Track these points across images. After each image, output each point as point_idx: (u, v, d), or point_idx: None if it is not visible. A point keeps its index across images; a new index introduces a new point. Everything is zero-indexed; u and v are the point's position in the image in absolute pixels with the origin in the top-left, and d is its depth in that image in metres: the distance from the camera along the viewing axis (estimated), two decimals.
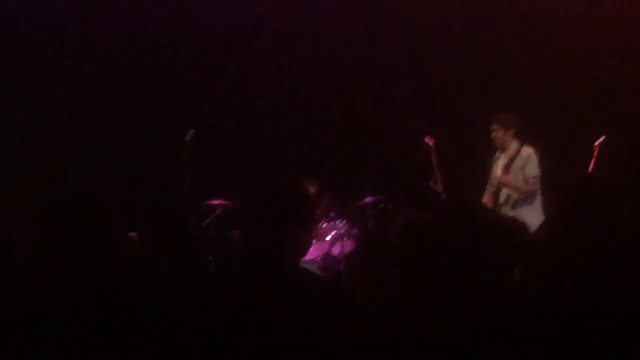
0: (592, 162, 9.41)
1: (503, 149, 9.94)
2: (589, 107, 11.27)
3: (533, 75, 11.75)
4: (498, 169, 9.98)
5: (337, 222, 11.39)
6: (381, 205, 11.26)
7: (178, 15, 12.44)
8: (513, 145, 9.87)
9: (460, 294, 3.66)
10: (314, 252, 10.86)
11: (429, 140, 10.37)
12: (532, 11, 11.79)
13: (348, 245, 11.20)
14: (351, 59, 12.52)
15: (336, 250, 11.26)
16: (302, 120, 12.55)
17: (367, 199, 11.25)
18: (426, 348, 3.56)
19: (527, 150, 9.75)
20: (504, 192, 9.84)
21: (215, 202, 10.72)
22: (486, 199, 10.00)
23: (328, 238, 11.30)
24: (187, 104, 12.14)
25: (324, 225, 11.30)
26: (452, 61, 12.14)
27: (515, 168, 9.75)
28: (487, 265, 3.74)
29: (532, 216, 9.28)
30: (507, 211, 9.62)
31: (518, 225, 4.82)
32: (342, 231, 11.28)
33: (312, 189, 11.23)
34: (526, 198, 9.72)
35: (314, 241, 10.89)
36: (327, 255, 11.27)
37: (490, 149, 10.16)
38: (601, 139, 9.54)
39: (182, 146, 10.19)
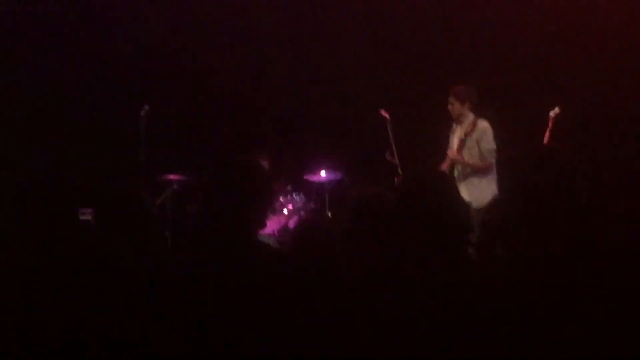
0: (547, 133, 9.48)
1: (459, 122, 9.95)
2: (543, 79, 11.34)
3: (488, 46, 11.79)
4: (454, 141, 9.99)
5: (295, 195, 11.41)
6: (338, 178, 11.29)
7: None
8: (469, 118, 9.87)
9: (412, 267, 3.68)
10: (271, 226, 10.86)
11: (384, 113, 10.37)
12: None
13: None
14: (304, 31, 12.49)
15: (293, 223, 11.28)
16: (258, 93, 12.51)
17: (324, 172, 11.27)
18: (379, 319, 3.58)
19: (483, 124, 9.75)
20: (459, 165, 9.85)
21: (172, 176, 10.68)
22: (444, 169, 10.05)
23: (285, 211, 11.31)
24: (141, 80, 12.04)
25: (281, 199, 11.30)
26: (406, 33, 12.15)
27: (471, 141, 9.74)
28: (439, 238, 3.75)
29: (486, 189, 9.35)
30: (461, 182, 9.65)
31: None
32: (299, 205, 11.30)
33: (265, 163, 11.23)
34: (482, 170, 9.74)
35: (271, 215, 10.90)
36: (285, 229, 11.28)
37: (447, 121, 10.18)
38: (555, 110, 9.61)
39: (137, 122, 10.14)
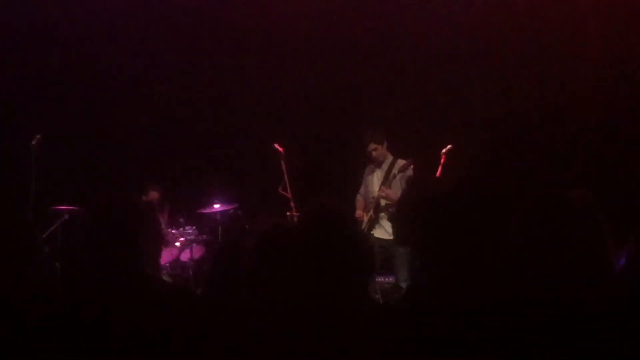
0: (439, 170, 9.62)
1: (379, 163, 10.03)
2: (436, 116, 11.56)
3: (379, 83, 11.96)
4: (374, 182, 10.05)
5: (187, 228, 11.36)
6: (231, 211, 11.26)
7: (24, 17, 12.18)
8: (389, 158, 9.97)
9: (315, 298, 3.68)
10: (162, 258, 10.78)
11: (278, 147, 10.40)
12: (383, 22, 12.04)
13: (197, 251, 11.20)
14: (201, 62, 12.49)
15: (185, 256, 11.24)
16: (150, 125, 12.44)
17: (217, 205, 11.23)
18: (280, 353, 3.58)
19: (402, 162, 9.85)
20: (383, 202, 9.89)
21: (62, 207, 10.53)
22: (360, 209, 10.10)
23: (177, 244, 11.25)
24: (32, 109, 11.89)
25: (173, 231, 11.24)
26: (300, 68, 12.24)
27: (395, 179, 9.81)
28: (342, 271, 3.75)
29: None
30: (385, 220, 9.77)
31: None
32: (191, 237, 11.26)
33: (154, 194, 11.15)
34: None
35: (163, 247, 10.82)
36: (176, 261, 11.23)
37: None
38: (447, 147, 9.75)
39: (28, 151, 9.99)
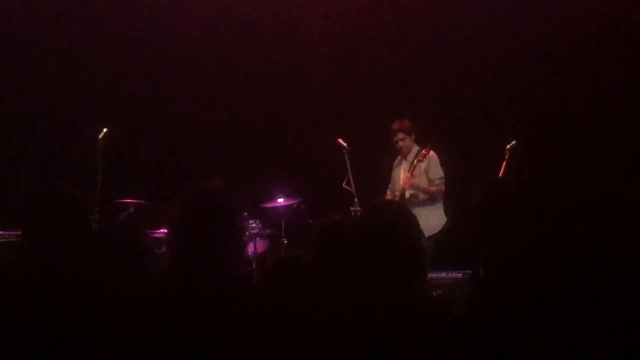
0: (503, 166, 9.57)
1: (405, 155, 10.07)
2: (501, 111, 11.47)
3: (443, 78, 11.90)
4: (401, 174, 10.06)
5: (250, 222, 11.38)
6: (294, 205, 11.28)
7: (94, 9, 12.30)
8: (414, 150, 9.98)
9: (379, 296, 3.69)
10: None
11: (342, 142, 10.41)
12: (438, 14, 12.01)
13: (260, 245, 11.22)
14: (263, 60, 12.51)
15: (249, 250, 11.27)
16: (214, 120, 12.50)
17: (280, 200, 11.26)
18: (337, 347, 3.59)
19: (430, 153, 9.84)
20: (408, 193, 9.88)
21: (127, 200, 10.63)
22: None
23: None
24: (100, 103, 12.00)
25: None
26: (366, 63, 12.24)
27: (419, 171, 9.84)
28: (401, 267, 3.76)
29: (435, 218, 9.47)
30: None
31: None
32: (255, 231, 11.28)
33: None
34: (431, 198, 9.85)
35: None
36: None
37: (389, 155, 10.32)
38: (512, 143, 9.70)
39: (95, 144, 10.12)
